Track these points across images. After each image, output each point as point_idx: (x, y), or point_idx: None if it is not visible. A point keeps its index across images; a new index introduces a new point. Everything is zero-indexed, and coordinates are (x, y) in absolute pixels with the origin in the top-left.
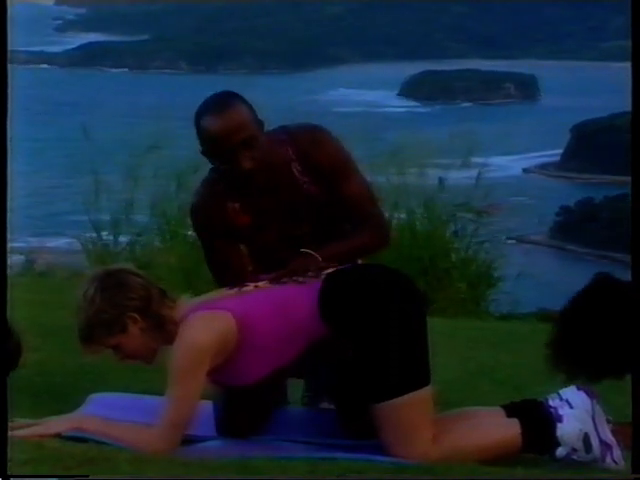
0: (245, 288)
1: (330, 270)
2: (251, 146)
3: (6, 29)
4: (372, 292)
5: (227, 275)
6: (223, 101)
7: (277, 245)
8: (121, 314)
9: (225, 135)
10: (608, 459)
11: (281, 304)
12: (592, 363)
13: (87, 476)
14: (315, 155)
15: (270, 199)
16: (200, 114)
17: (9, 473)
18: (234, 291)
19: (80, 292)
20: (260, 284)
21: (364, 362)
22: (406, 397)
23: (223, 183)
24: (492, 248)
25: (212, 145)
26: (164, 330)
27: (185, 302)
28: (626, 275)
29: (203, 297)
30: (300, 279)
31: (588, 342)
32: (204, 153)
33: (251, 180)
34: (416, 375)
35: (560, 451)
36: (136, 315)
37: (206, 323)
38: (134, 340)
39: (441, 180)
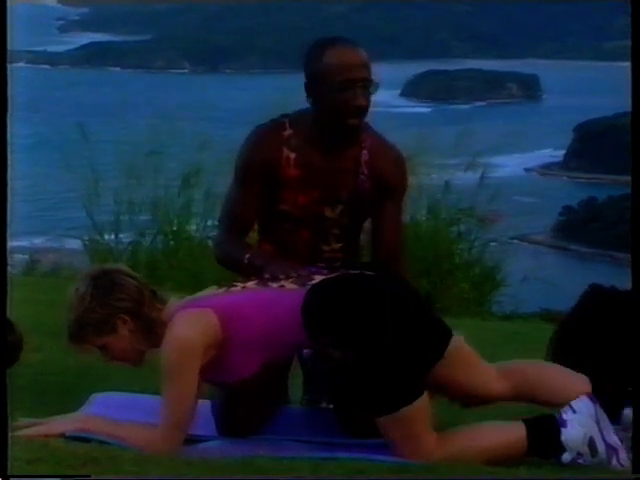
0: (233, 288)
1: (315, 280)
2: (367, 88)
3: (6, 29)
4: (356, 310)
5: (232, 224)
6: (353, 42)
7: (302, 219)
8: (111, 314)
9: (358, 66)
10: (614, 462)
11: (265, 306)
12: (590, 375)
13: (89, 476)
14: (387, 167)
15: (327, 160)
16: (326, 45)
17: (9, 473)
18: (221, 290)
19: (73, 289)
20: (248, 284)
21: (354, 380)
22: (403, 410)
23: (294, 129)
24: (495, 249)
25: (341, 72)
26: (153, 333)
27: (174, 303)
28: (629, 275)
29: (190, 297)
30: (280, 280)
31: (585, 354)
32: (314, 86)
33: (355, 124)
34: (410, 387)
35: (566, 456)
36: (127, 316)
37: (188, 320)
38: (122, 341)
39: (447, 183)
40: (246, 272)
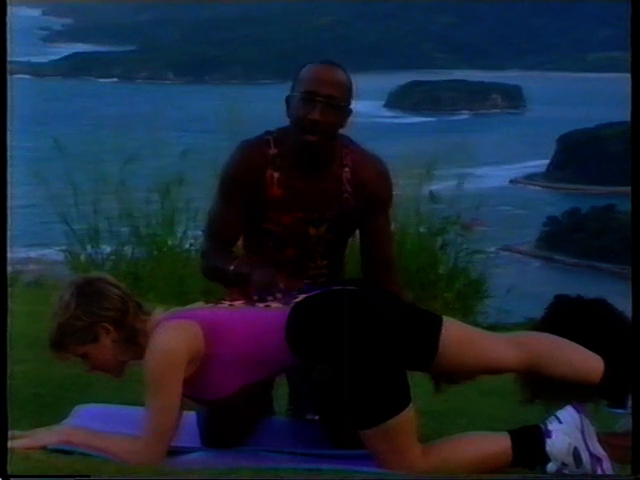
0: (219, 305)
1: (299, 298)
2: (333, 108)
3: (6, 39)
4: (339, 325)
5: (216, 240)
6: (337, 64)
7: (287, 237)
8: (94, 323)
9: (322, 80)
10: (599, 472)
11: (251, 323)
12: (552, 384)
13: (88, 476)
14: (370, 181)
15: (310, 180)
16: (308, 64)
17: (9, 473)
18: (208, 305)
19: (56, 297)
20: (235, 303)
21: (339, 394)
22: (388, 423)
23: (278, 147)
24: (480, 260)
25: (306, 83)
26: (136, 343)
27: (158, 314)
28: (613, 285)
29: (176, 309)
30: (266, 301)
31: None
32: (290, 97)
33: (310, 140)
34: (394, 400)
35: (550, 466)
36: (110, 326)
37: (172, 329)
38: (104, 351)
39: (431, 193)
40: (233, 282)
